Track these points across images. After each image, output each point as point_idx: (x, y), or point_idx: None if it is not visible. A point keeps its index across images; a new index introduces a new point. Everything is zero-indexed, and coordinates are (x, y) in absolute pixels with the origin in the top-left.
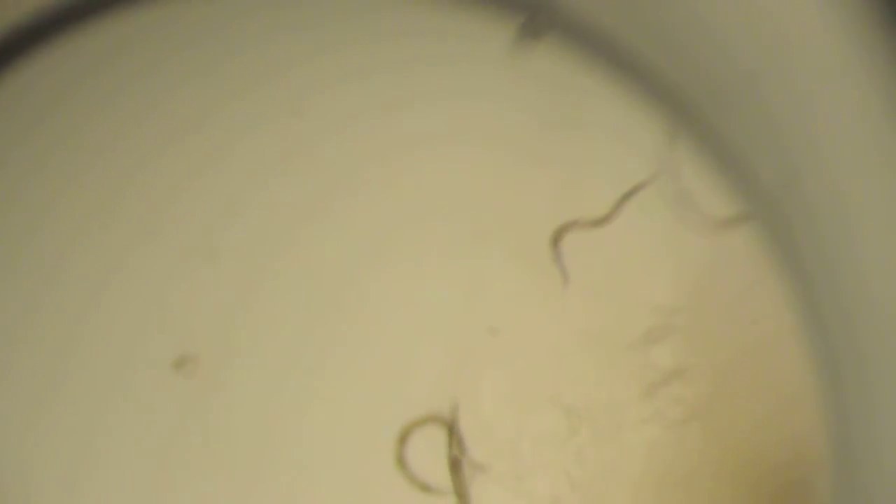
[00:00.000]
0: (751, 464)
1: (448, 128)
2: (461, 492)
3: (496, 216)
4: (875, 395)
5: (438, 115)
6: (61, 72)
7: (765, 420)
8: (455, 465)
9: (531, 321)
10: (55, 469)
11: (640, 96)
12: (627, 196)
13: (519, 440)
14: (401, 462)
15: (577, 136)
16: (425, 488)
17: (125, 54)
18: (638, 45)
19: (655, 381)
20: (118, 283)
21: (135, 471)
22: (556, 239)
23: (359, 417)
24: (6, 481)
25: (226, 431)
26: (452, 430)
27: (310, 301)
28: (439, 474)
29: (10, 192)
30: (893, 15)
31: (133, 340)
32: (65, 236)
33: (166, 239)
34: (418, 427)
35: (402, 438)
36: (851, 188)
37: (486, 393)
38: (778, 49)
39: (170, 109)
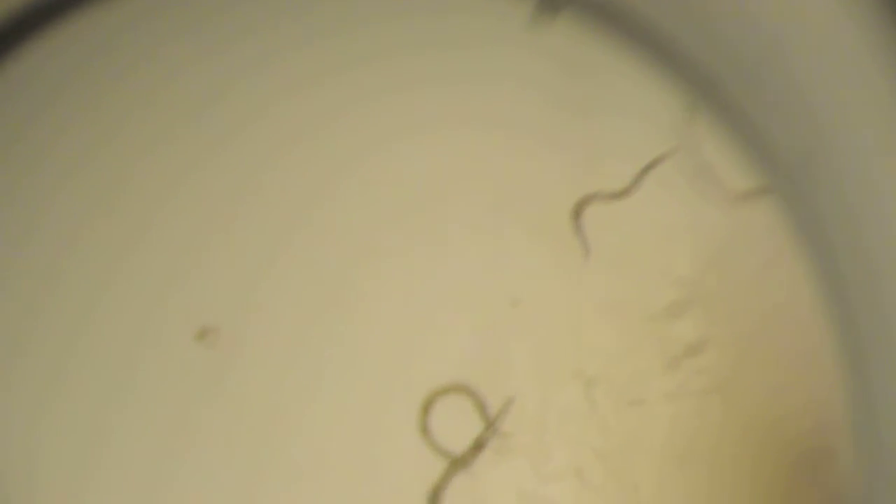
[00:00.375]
0: (773, 433)
1: (467, 107)
2: (466, 460)
3: (517, 190)
4: None
5: (457, 95)
6: (73, 49)
7: (786, 390)
8: (479, 442)
9: (553, 293)
10: (76, 440)
11: (659, 70)
12: (648, 169)
13: (542, 411)
14: (424, 430)
15: (597, 111)
16: (449, 457)
17: (138, 30)
18: (657, 18)
19: (677, 352)
20: (138, 257)
21: (160, 440)
22: (577, 212)
23: (382, 387)
24: (24, 456)
25: (247, 401)
26: (478, 402)
27: (332, 272)
28: (463, 443)
29: (26, 166)
30: None
31: (155, 314)
32: (82, 213)
33: (184, 212)
34: (441, 396)
35: (426, 407)
36: (870, 161)
37: (509, 364)
38: (797, 23)
39: (183, 86)
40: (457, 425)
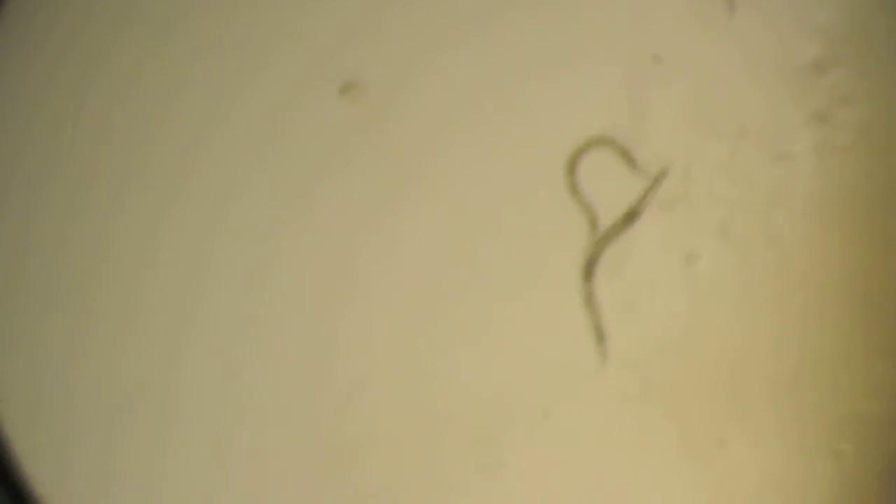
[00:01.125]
0: None
1: None
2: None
3: None
4: None
5: None
6: None
7: None
8: (590, 265)
9: (696, 49)
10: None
11: None
12: None
13: (688, 165)
14: (572, 186)
15: None
16: (592, 212)
17: None
18: None
19: (822, 107)
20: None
21: (300, 195)
22: None
23: (527, 143)
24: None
25: (389, 161)
26: (626, 155)
27: (478, 28)
28: (608, 197)
29: None
30: None
31: (303, 64)
32: None
33: None
34: (587, 150)
35: (572, 162)
36: None
37: (653, 118)
38: None
39: None
40: (601, 181)
